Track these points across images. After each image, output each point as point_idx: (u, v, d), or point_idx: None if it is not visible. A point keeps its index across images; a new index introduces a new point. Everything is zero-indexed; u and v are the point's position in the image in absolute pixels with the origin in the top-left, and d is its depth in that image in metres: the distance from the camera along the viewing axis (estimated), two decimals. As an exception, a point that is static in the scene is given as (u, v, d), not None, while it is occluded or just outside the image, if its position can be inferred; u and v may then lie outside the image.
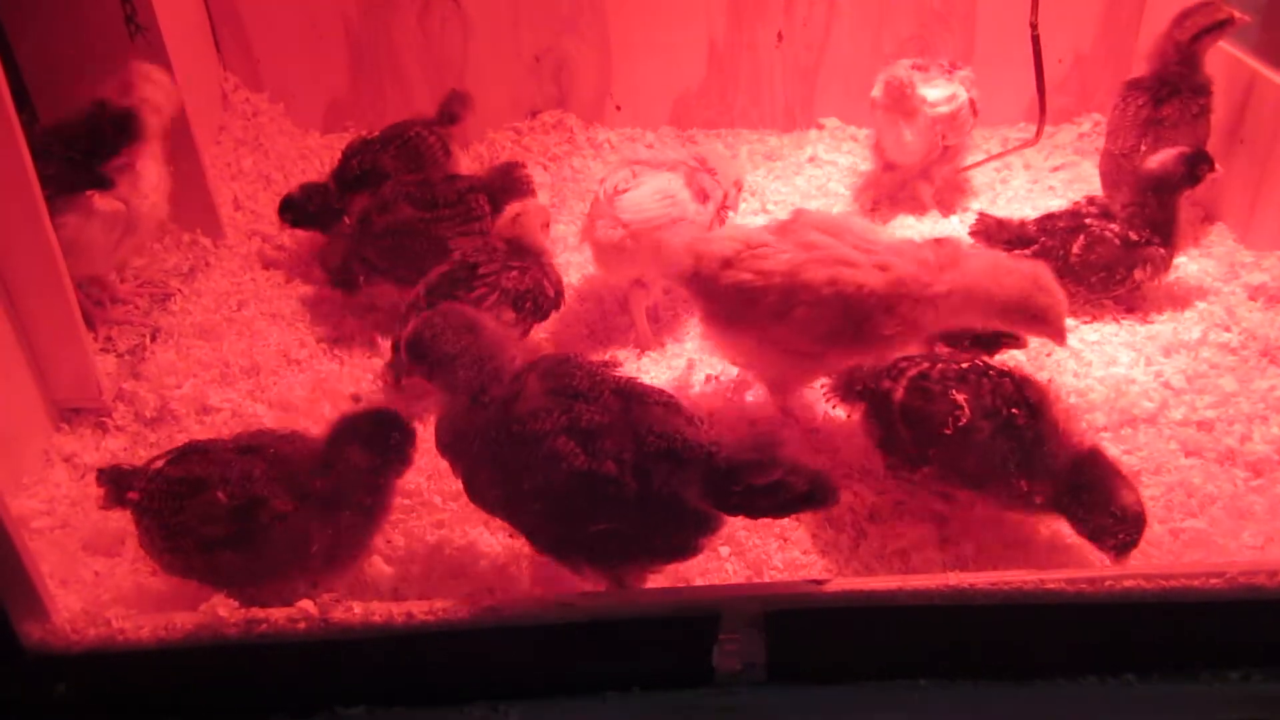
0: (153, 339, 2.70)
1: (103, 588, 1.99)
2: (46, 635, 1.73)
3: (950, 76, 3.08)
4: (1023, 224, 2.75)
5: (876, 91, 3.09)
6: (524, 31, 3.58)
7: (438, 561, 2.03)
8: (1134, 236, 2.64)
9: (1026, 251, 2.65)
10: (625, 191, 2.58)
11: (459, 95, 3.22)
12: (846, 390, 2.18)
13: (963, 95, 3.06)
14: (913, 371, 2.06)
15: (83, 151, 2.54)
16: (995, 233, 2.73)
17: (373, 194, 2.82)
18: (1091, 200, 2.75)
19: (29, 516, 2.14)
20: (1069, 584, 1.77)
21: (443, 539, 2.08)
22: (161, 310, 2.82)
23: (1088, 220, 2.68)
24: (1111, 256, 2.63)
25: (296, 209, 2.97)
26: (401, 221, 2.69)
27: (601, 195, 2.61)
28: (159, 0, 2.81)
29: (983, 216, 2.79)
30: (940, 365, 2.05)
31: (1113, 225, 2.65)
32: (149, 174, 2.64)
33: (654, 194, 2.58)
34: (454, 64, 3.62)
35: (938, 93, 3.03)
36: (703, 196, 2.64)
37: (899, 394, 2.04)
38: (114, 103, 2.62)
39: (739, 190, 2.86)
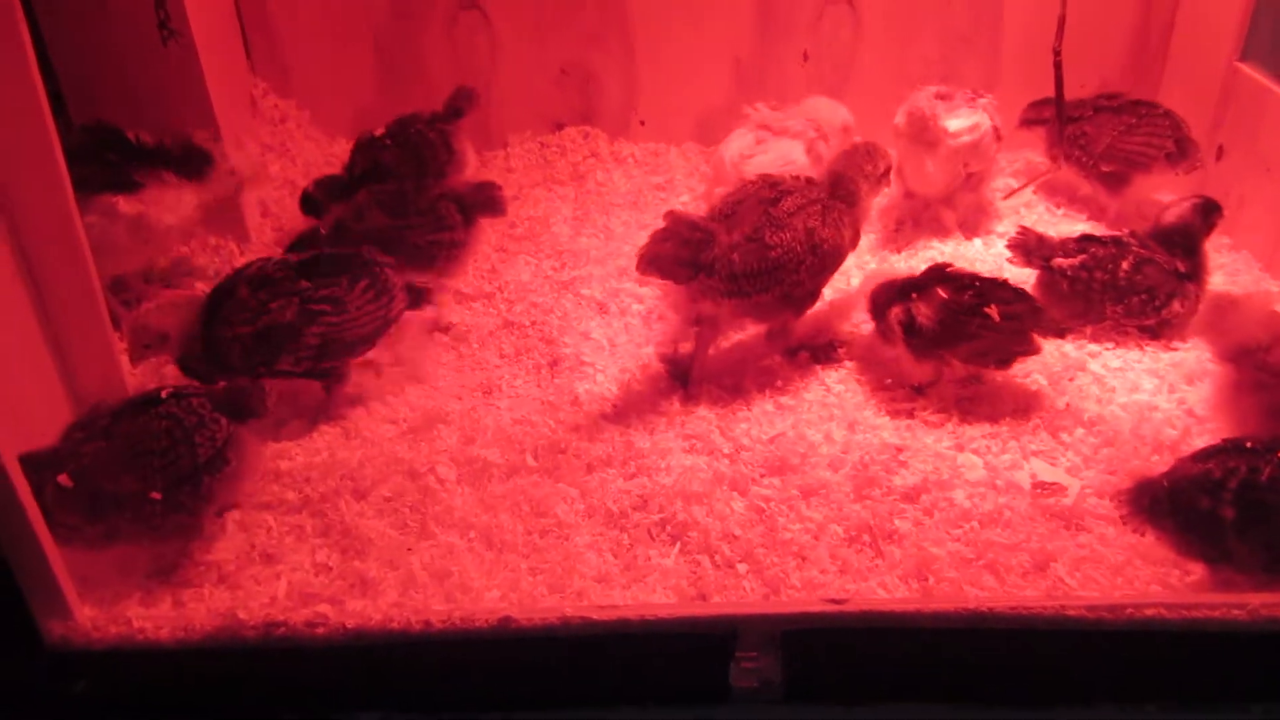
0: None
1: (122, 585, 2.00)
2: (68, 632, 1.74)
3: (973, 104, 3.06)
4: (1064, 241, 2.75)
5: (899, 120, 3.08)
6: (550, 44, 3.60)
7: (455, 569, 2.03)
8: (1181, 268, 2.65)
9: (1073, 260, 2.66)
10: (751, 158, 2.75)
11: (465, 91, 3.24)
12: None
13: (985, 124, 3.04)
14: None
15: (118, 156, 2.56)
16: (1035, 248, 2.73)
17: (349, 201, 2.86)
18: (1133, 233, 2.75)
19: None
20: (1089, 611, 1.76)
21: (458, 548, 2.09)
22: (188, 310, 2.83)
23: (1133, 245, 2.69)
24: (1157, 280, 2.63)
25: (313, 203, 3.02)
26: (374, 229, 2.73)
27: (727, 161, 2.81)
28: (192, 6, 2.84)
29: (1023, 231, 2.78)
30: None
31: (1159, 253, 2.66)
32: (184, 200, 2.68)
33: (777, 160, 2.83)
34: (480, 74, 3.63)
35: (960, 123, 3.01)
36: (820, 161, 2.88)
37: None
38: (194, 141, 2.71)
39: (847, 133, 3.06)
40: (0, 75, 2.11)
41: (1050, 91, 3.12)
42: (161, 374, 2.56)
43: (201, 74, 2.88)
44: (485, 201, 2.84)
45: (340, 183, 3.06)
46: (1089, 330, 2.70)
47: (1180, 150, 3.05)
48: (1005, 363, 2.44)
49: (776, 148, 2.86)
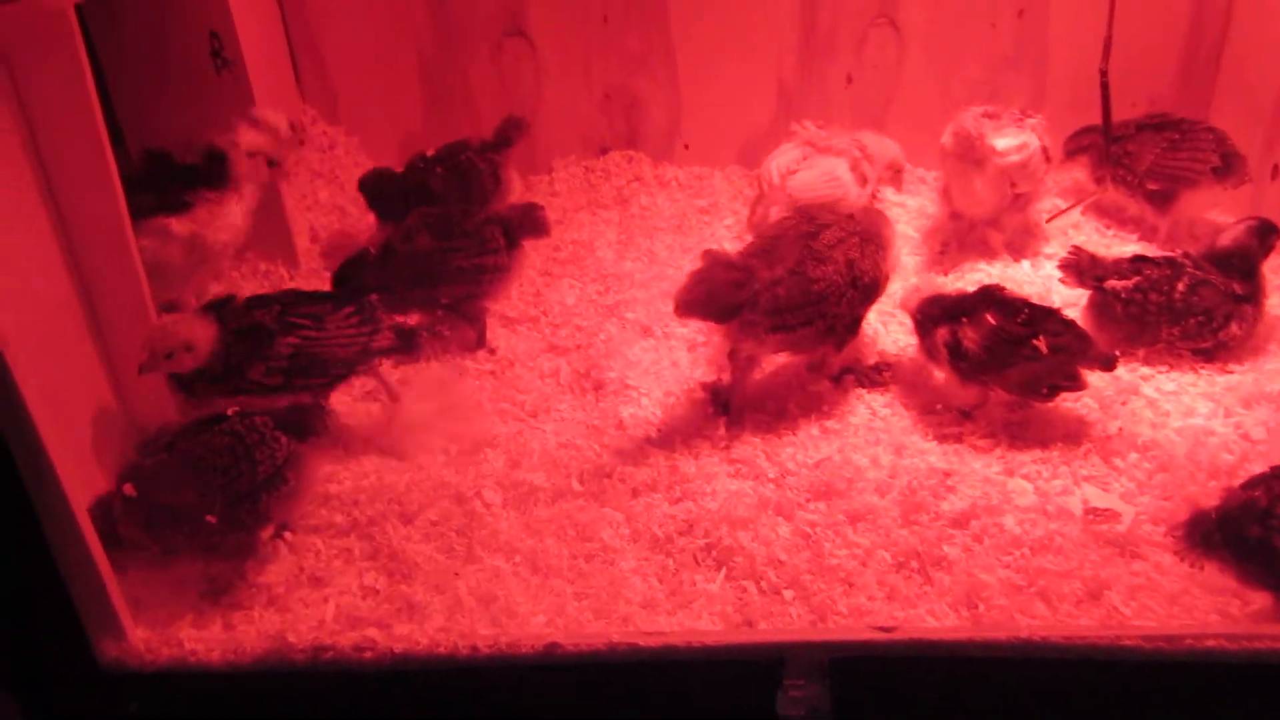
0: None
1: (175, 607, 2.03)
2: (122, 654, 1.77)
3: (1021, 124, 3.03)
4: (1117, 262, 2.72)
5: (946, 139, 3.06)
6: (595, 70, 3.64)
7: (501, 593, 2.03)
8: (1238, 290, 2.60)
9: (1128, 282, 2.63)
10: (795, 173, 2.88)
11: (514, 121, 3.29)
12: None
13: (1034, 144, 3.00)
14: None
15: (171, 180, 2.62)
16: (1087, 268, 2.70)
17: (397, 223, 2.91)
18: (1187, 254, 2.71)
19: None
20: (1146, 640, 1.73)
21: (504, 572, 2.09)
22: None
23: (1189, 266, 2.65)
24: (1214, 302, 2.59)
25: (370, 190, 3.15)
26: (421, 251, 2.77)
27: (774, 176, 2.88)
28: (244, 36, 2.90)
29: (1075, 251, 2.75)
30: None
31: (1215, 274, 2.62)
32: (230, 212, 2.71)
33: (822, 176, 2.90)
34: (526, 100, 3.67)
35: (1008, 141, 2.98)
36: (863, 181, 2.96)
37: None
38: (214, 145, 2.71)
39: (897, 173, 3.15)
40: (62, 108, 2.18)
41: (1097, 111, 3.08)
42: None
43: (253, 101, 2.94)
44: (529, 222, 2.86)
45: (393, 180, 3.16)
46: (1142, 353, 2.65)
47: (1226, 165, 3.01)
48: (1049, 396, 2.40)
49: (821, 164, 2.89)
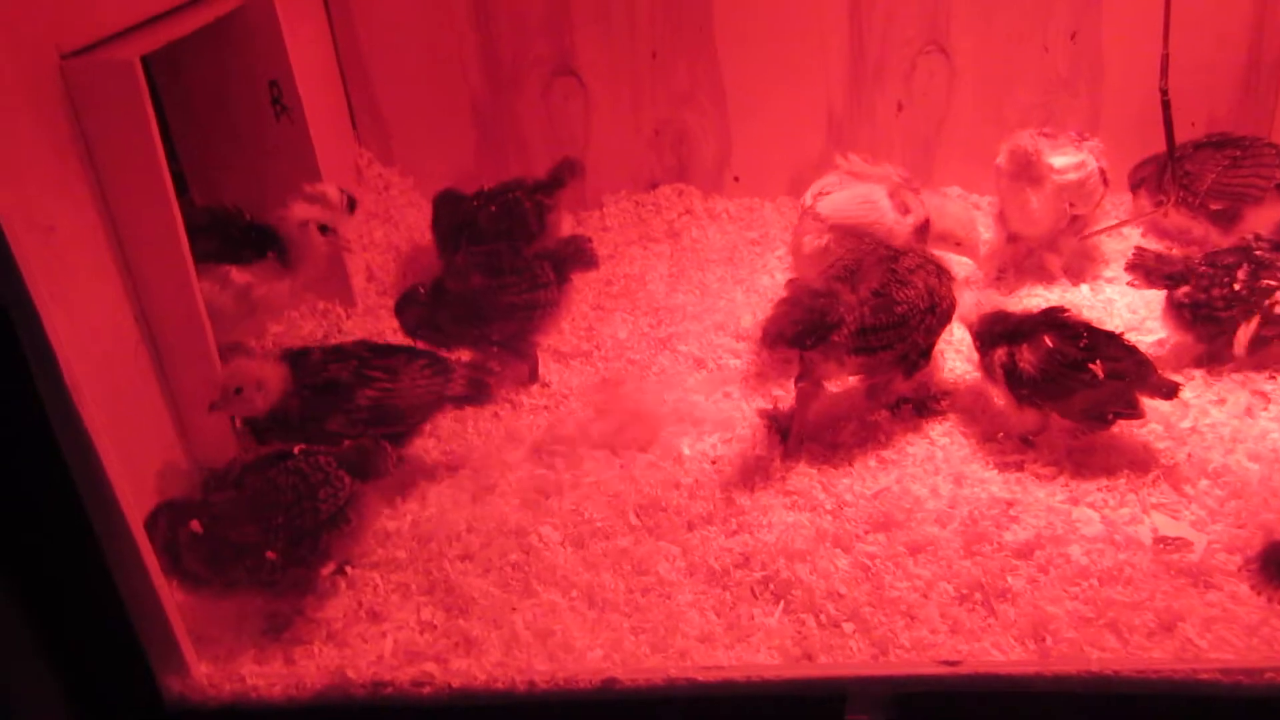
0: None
1: (236, 642, 2.05)
2: (186, 690, 1.79)
3: (1079, 145, 3.01)
4: (1185, 259, 2.67)
5: (1001, 159, 3.01)
6: (644, 105, 3.67)
7: (558, 628, 2.02)
8: None
9: (1187, 286, 2.58)
10: (827, 194, 2.82)
11: (570, 163, 3.33)
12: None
13: (1092, 164, 2.97)
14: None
15: (234, 234, 2.69)
16: (1154, 267, 2.65)
17: (448, 261, 2.97)
18: (1259, 236, 2.66)
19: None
20: (1224, 674, 1.67)
21: (560, 607, 2.08)
22: (296, 376, 2.93)
23: (1257, 252, 2.59)
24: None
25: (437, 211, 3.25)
26: (471, 290, 2.80)
27: (807, 200, 2.82)
28: (302, 83, 2.96)
29: (1140, 251, 2.71)
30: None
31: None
32: (284, 280, 2.77)
33: (854, 198, 2.82)
34: (576, 137, 3.72)
35: (1066, 160, 2.95)
36: (904, 209, 2.84)
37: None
38: (270, 225, 2.78)
39: (958, 245, 2.95)
40: (128, 155, 2.25)
41: (1156, 132, 3.03)
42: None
43: (311, 145, 3.00)
44: (578, 256, 2.89)
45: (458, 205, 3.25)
46: (1227, 368, 2.61)
47: None
48: (1107, 424, 2.34)
49: (856, 188, 2.85)
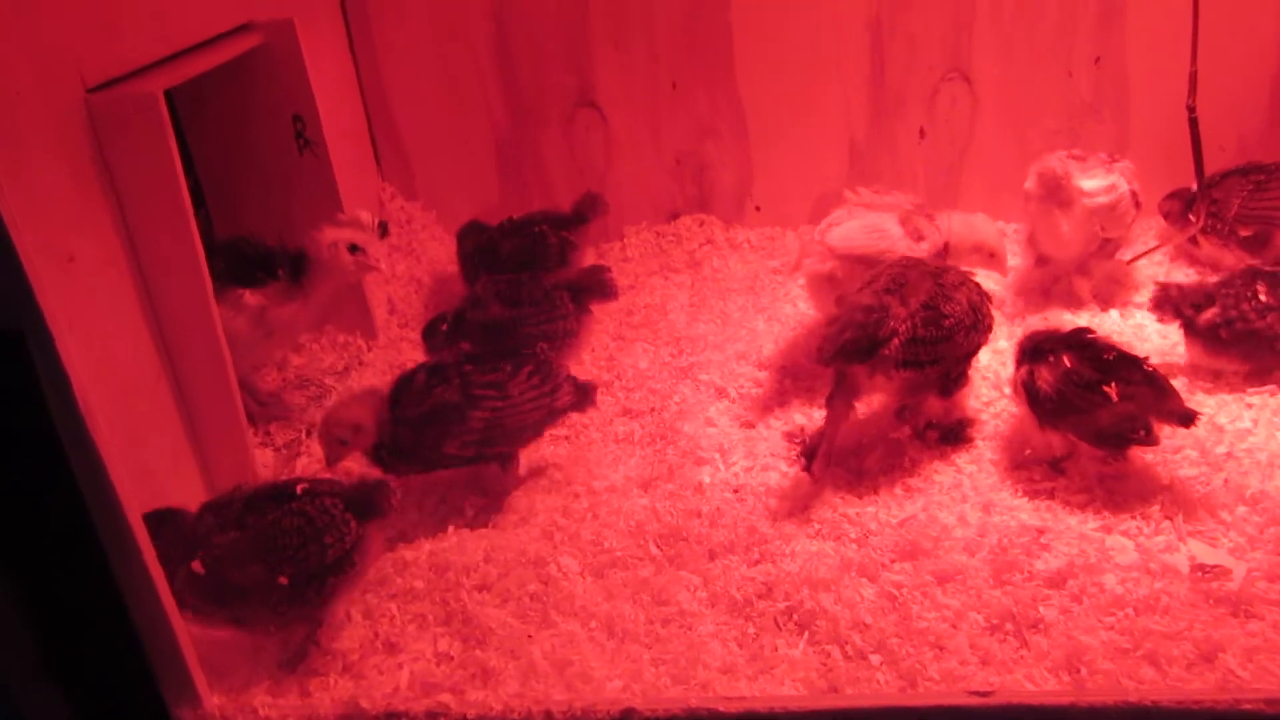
0: (308, 434, 2.80)
1: (252, 674, 2.02)
2: (198, 721, 1.76)
3: (1110, 168, 2.96)
4: (1203, 284, 2.65)
5: (1030, 182, 2.97)
6: (665, 136, 3.67)
7: (576, 658, 1.98)
8: None
9: (1216, 308, 2.57)
10: (837, 225, 2.78)
11: (593, 198, 3.33)
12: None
13: (1123, 186, 2.93)
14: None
15: (251, 259, 2.70)
16: (1177, 299, 2.63)
17: (469, 291, 2.99)
18: (1266, 262, 2.66)
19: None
20: (1268, 705, 1.60)
21: (579, 637, 2.04)
22: (317, 407, 2.93)
23: (1265, 269, 2.60)
24: None
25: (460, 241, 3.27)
26: (491, 319, 2.82)
27: (816, 232, 2.78)
28: (326, 118, 2.99)
29: (1162, 286, 2.69)
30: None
31: None
32: (305, 303, 2.76)
33: (863, 227, 2.77)
34: (597, 169, 3.73)
35: (1096, 183, 2.91)
36: (917, 236, 2.79)
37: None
38: (299, 247, 2.77)
39: (991, 256, 2.89)
40: (150, 186, 2.27)
41: (1183, 155, 3.00)
42: (291, 464, 2.65)
43: (334, 179, 3.02)
44: (596, 286, 2.88)
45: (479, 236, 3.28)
46: (1269, 385, 2.58)
47: None
48: (1119, 447, 2.28)
49: (866, 217, 2.80)
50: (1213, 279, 2.69)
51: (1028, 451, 2.42)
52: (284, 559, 1.96)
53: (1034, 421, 2.36)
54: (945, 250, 2.82)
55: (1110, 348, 2.35)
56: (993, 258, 2.89)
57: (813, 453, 2.46)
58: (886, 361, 2.31)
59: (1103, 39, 3.39)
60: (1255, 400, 2.55)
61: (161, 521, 1.93)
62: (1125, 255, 3.18)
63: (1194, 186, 3.05)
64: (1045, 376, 2.32)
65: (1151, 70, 3.37)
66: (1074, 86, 3.44)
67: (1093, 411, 2.25)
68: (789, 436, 2.55)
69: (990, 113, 3.50)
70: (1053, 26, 3.39)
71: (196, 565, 1.90)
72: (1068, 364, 2.30)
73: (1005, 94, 3.48)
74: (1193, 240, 3.12)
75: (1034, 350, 2.39)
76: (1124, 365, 2.29)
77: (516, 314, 2.82)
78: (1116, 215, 2.93)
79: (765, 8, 3.46)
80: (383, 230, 2.83)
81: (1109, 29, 3.37)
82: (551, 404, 2.46)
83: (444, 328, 2.82)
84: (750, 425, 2.68)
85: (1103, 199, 2.90)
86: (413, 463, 2.38)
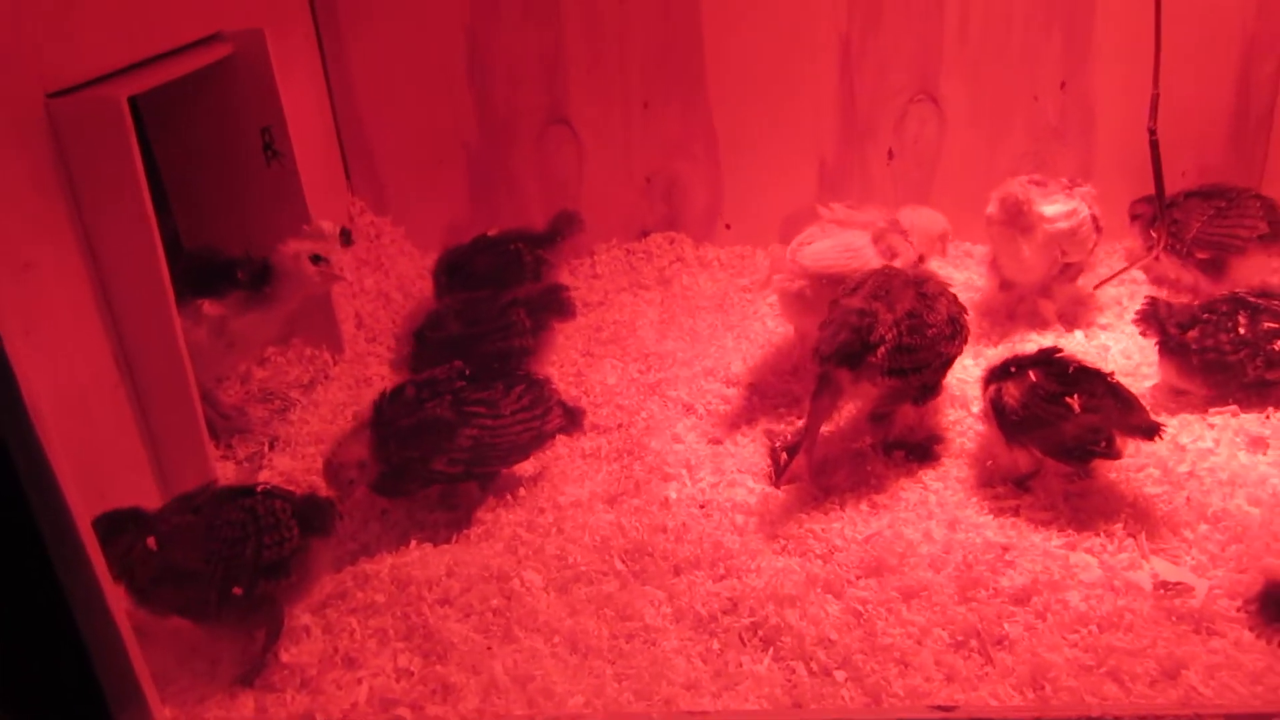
0: (271, 447, 2.76)
1: (207, 688, 1.98)
2: (147, 736, 1.72)
3: (1071, 193, 3.00)
4: (1189, 306, 2.68)
5: (992, 208, 3.00)
6: (636, 153, 3.68)
7: (538, 674, 1.96)
8: None
9: (1194, 332, 2.60)
10: (810, 243, 2.79)
11: (569, 215, 3.32)
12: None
13: (1084, 211, 2.96)
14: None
15: (213, 270, 2.67)
16: (1164, 316, 2.66)
17: (429, 312, 3.00)
18: (1252, 290, 2.68)
19: (145, 620, 2.16)
20: (1228, 718, 1.60)
21: (541, 652, 2.02)
22: (281, 420, 2.89)
23: (1250, 299, 2.62)
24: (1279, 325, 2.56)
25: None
26: (450, 337, 2.85)
27: (789, 249, 2.78)
28: (295, 130, 2.97)
29: (1150, 301, 2.72)
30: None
31: (1274, 295, 2.60)
32: (267, 313, 2.73)
33: (836, 246, 2.78)
34: (568, 186, 3.73)
35: (1057, 208, 2.94)
36: (890, 254, 2.80)
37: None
38: (264, 258, 2.74)
39: (944, 242, 3.04)
40: (112, 195, 2.25)
41: (1147, 179, 3.04)
42: (254, 477, 2.61)
43: (302, 192, 2.99)
44: (554, 304, 2.89)
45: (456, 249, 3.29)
46: (1226, 410, 2.59)
47: (1275, 232, 2.95)
48: (1083, 461, 2.30)
49: (839, 235, 2.82)
50: (1193, 302, 2.71)
51: (989, 463, 2.43)
52: (221, 549, 1.96)
53: (1001, 439, 2.37)
54: (921, 259, 2.89)
55: (1074, 363, 2.36)
56: (944, 242, 3.04)
57: (793, 449, 2.47)
58: (873, 369, 2.32)
59: (1068, 64, 3.44)
60: (1217, 420, 2.57)
61: (129, 520, 1.96)
62: (1093, 280, 3.21)
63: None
64: (1012, 392, 2.33)
65: (1116, 95, 3.42)
66: (1040, 110, 3.49)
67: (1057, 424, 2.26)
68: (769, 435, 2.56)
69: (958, 135, 3.54)
70: (1019, 51, 3.43)
71: (151, 541, 1.92)
72: (1033, 379, 2.32)
73: (973, 116, 3.51)
74: (1156, 259, 3.15)
75: (1002, 369, 2.41)
76: (1088, 379, 2.30)
77: (473, 332, 2.82)
78: (1078, 240, 2.96)
79: (737, 28, 3.48)
80: (345, 239, 2.80)
81: (1074, 55, 3.42)
82: (541, 426, 2.47)
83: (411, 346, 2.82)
84: (717, 441, 2.67)
85: (1063, 224, 2.92)
86: (404, 480, 2.35)
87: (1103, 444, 2.25)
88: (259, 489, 2.07)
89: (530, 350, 2.84)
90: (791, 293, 2.75)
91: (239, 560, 1.96)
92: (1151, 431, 2.22)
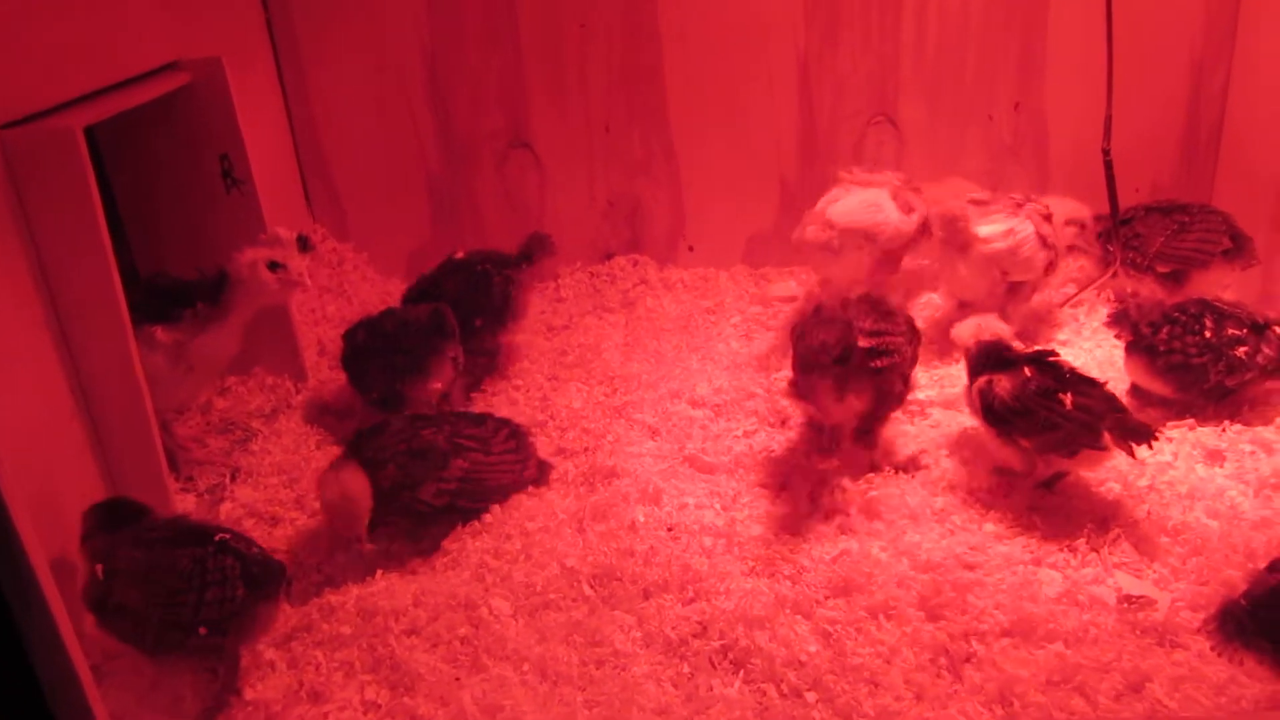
0: (233, 478, 2.72)
1: (168, 731, 1.95)
2: (105, 777, 1.68)
3: (1016, 211, 3.00)
4: (1161, 304, 2.74)
5: (934, 227, 3.06)
6: (598, 177, 3.69)
7: (508, 703, 1.94)
8: (1258, 319, 2.62)
9: (1163, 334, 2.65)
10: (836, 200, 3.07)
11: (540, 238, 3.28)
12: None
13: (1026, 229, 2.94)
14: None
15: (167, 295, 2.63)
16: (1136, 317, 2.71)
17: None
18: (1218, 298, 2.76)
19: (103, 659, 2.12)
20: (1195, 733, 1.62)
21: (511, 681, 2.00)
22: (243, 451, 2.85)
23: (1218, 305, 2.68)
24: (1243, 332, 2.60)
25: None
26: (355, 346, 2.92)
27: (817, 207, 3.07)
28: (255, 157, 2.94)
29: (1122, 301, 2.78)
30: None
31: (1240, 308, 2.66)
32: (223, 328, 2.69)
33: (861, 202, 3.07)
34: (531, 209, 3.73)
35: (993, 228, 2.95)
36: (908, 209, 3.12)
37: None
38: (220, 267, 2.70)
39: (1080, 229, 3.21)
40: (68, 224, 2.22)
41: (1101, 197, 3.09)
42: (215, 510, 2.57)
43: (262, 219, 2.96)
44: (438, 327, 2.85)
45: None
46: (1191, 422, 2.64)
47: (1237, 247, 3.01)
48: (1073, 453, 2.32)
49: (863, 194, 3.09)
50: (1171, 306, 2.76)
51: (961, 495, 2.46)
52: (161, 596, 1.95)
53: (989, 431, 2.42)
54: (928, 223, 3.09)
55: (1069, 367, 2.41)
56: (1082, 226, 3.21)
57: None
58: (860, 368, 2.36)
59: (1023, 85, 3.49)
60: (1175, 434, 2.61)
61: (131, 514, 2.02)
62: (1058, 297, 3.27)
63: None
64: (1004, 385, 2.39)
65: (1068, 115, 3.48)
66: (995, 130, 3.54)
67: (1048, 419, 2.29)
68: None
69: (916, 155, 3.58)
70: (974, 73, 3.49)
71: (99, 569, 1.93)
72: (1027, 374, 2.37)
73: (930, 137, 3.56)
74: (1114, 275, 3.20)
75: (995, 363, 2.45)
76: (1080, 381, 2.36)
77: (375, 344, 2.85)
78: (1018, 260, 2.94)
79: (697, 51, 3.51)
80: (303, 245, 2.75)
81: (1028, 76, 3.48)
82: (521, 471, 2.53)
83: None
84: (684, 463, 2.67)
85: (1000, 244, 2.92)
86: (387, 512, 2.34)
87: (1091, 439, 2.27)
88: (216, 537, 2.04)
89: (419, 369, 2.82)
90: (820, 243, 3.00)
91: (177, 611, 1.95)
92: (1144, 436, 2.22)
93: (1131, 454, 2.25)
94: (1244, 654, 1.80)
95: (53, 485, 2.17)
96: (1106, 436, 2.26)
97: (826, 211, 3.03)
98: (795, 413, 2.75)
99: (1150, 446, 2.24)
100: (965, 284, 3.03)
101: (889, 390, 2.48)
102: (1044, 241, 2.99)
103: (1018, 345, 2.54)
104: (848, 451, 2.59)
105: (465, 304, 3.08)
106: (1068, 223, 3.15)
